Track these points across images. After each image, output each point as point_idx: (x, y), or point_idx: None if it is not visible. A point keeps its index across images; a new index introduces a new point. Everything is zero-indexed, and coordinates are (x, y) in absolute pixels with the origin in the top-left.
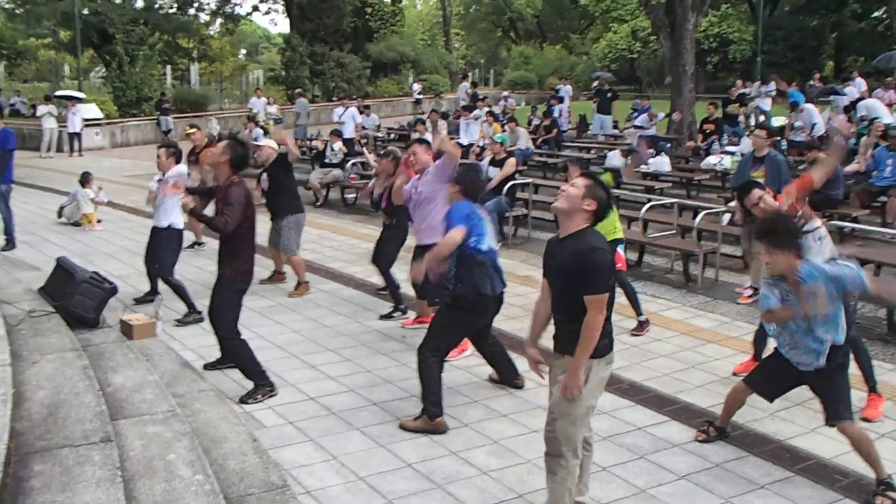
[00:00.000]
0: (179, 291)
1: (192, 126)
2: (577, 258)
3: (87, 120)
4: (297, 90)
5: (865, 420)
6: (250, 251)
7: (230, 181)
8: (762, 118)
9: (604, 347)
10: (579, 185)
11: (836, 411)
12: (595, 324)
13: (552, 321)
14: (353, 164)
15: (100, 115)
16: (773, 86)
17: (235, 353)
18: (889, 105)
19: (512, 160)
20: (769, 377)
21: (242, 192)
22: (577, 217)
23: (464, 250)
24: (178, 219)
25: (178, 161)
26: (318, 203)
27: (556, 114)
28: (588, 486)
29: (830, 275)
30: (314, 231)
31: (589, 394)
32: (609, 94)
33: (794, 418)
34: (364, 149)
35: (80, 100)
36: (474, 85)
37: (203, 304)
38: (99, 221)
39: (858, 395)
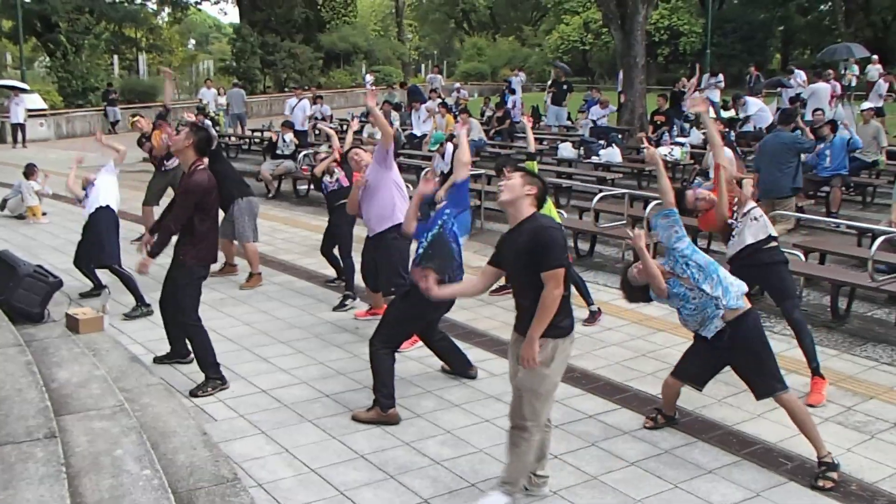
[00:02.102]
0: (128, 283)
1: (134, 115)
2: (531, 238)
3: (31, 111)
4: (234, 81)
5: (810, 406)
6: (215, 237)
7: (195, 167)
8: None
9: (567, 327)
10: (515, 176)
11: (768, 385)
12: (552, 297)
13: (515, 306)
14: (305, 156)
15: (44, 105)
16: (721, 77)
17: (193, 340)
18: (832, 96)
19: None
20: (693, 363)
21: (205, 178)
22: (523, 205)
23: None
24: (109, 200)
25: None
26: (270, 195)
27: (509, 104)
28: (547, 459)
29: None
30: (266, 223)
31: (555, 372)
32: (565, 86)
33: (741, 404)
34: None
35: (23, 90)
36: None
37: (152, 297)
38: (44, 214)
39: (802, 381)
